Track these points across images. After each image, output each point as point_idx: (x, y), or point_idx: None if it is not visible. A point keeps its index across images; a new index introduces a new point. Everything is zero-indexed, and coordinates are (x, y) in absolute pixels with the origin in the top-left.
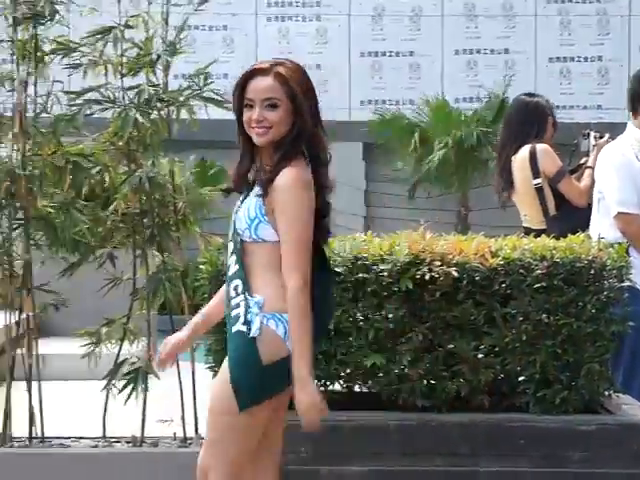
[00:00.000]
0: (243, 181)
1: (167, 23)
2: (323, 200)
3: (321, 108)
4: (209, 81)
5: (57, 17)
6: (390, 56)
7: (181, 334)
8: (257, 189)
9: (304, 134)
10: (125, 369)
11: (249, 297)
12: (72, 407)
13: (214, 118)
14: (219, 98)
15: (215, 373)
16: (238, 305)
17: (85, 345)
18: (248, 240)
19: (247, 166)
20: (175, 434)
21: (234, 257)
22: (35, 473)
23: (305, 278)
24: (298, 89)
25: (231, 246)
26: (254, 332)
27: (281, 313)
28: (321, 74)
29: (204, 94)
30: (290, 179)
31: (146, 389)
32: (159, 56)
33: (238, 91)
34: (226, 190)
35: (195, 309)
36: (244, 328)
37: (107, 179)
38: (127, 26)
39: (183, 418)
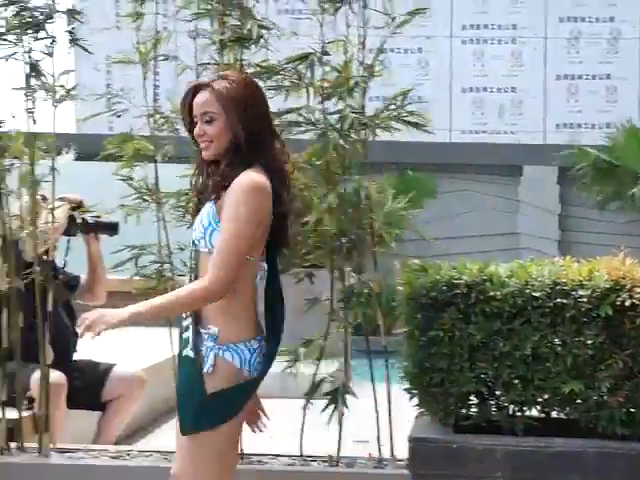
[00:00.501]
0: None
1: (364, 46)
2: (280, 206)
3: (514, 130)
4: (407, 103)
5: (261, 41)
6: (586, 79)
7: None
8: (211, 196)
9: (241, 146)
10: (324, 388)
11: (202, 329)
12: (269, 425)
13: (413, 140)
14: (417, 120)
15: (412, 396)
16: (188, 328)
17: (283, 362)
18: (204, 250)
19: (203, 180)
20: (370, 454)
21: (190, 275)
22: None
23: (225, 279)
24: (231, 102)
25: (188, 263)
26: (207, 368)
27: (236, 344)
28: (516, 97)
29: (402, 117)
30: (241, 182)
31: (344, 408)
32: (357, 81)
33: (186, 108)
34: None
35: (389, 330)
36: (192, 354)
37: (305, 199)
38: (325, 53)
39: (378, 439)
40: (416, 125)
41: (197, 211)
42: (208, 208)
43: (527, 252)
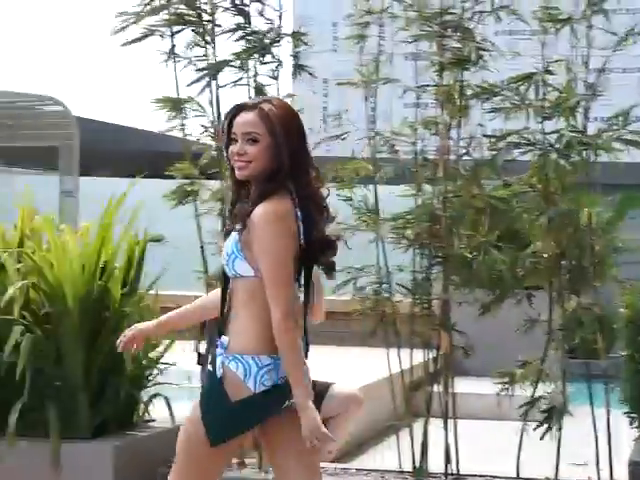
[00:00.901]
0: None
1: (587, 66)
2: (311, 231)
3: None
4: (629, 122)
5: (481, 62)
6: None
7: (150, 323)
8: (238, 225)
9: (283, 170)
10: (541, 408)
11: (217, 338)
12: (484, 446)
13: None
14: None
15: (632, 419)
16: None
17: (499, 383)
18: (230, 275)
19: (234, 203)
20: (590, 478)
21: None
22: None
23: (285, 311)
24: (279, 126)
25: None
26: (218, 373)
27: (242, 354)
28: None
29: (624, 136)
30: (262, 213)
31: (560, 429)
32: (579, 101)
33: (227, 127)
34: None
35: (608, 353)
36: (211, 367)
37: (525, 221)
38: (548, 72)
39: (597, 462)
40: (635, 143)
41: (228, 233)
42: (233, 236)
43: None
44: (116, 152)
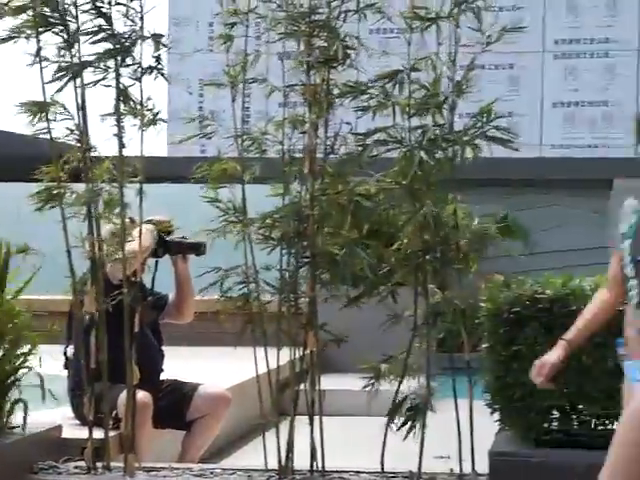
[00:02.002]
0: None
1: (454, 63)
2: None
3: (605, 144)
4: (492, 118)
5: (348, 61)
6: None
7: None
8: None
9: None
10: (405, 406)
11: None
12: (351, 442)
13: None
14: (503, 136)
15: (493, 410)
16: None
17: (365, 379)
18: None
19: None
20: (452, 470)
21: None
22: None
23: None
24: None
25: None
26: None
27: None
28: (608, 110)
29: (488, 132)
30: None
31: (424, 426)
32: (445, 98)
33: None
34: None
35: (474, 347)
36: None
37: (390, 218)
38: (414, 69)
39: (460, 455)
40: (501, 141)
41: None
42: None
43: None
44: None
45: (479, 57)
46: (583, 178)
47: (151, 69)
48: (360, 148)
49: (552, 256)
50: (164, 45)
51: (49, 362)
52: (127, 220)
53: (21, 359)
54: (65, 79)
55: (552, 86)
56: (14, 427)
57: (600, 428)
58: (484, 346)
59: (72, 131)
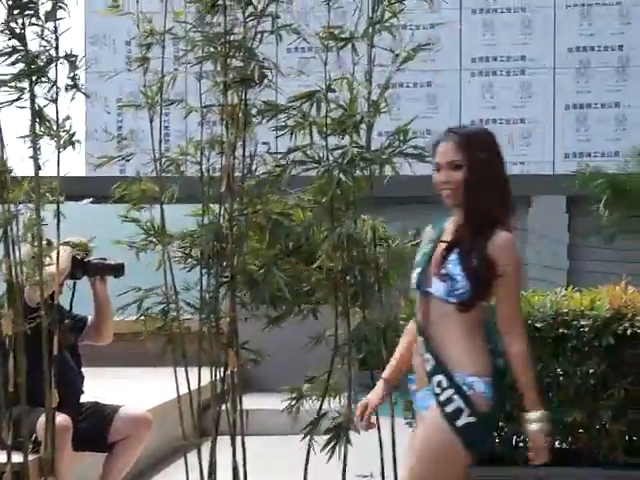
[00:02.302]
0: None
1: (371, 83)
2: None
3: (522, 160)
4: (409, 137)
5: (265, 81)
6: (595, 108)
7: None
8: None
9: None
10: (326, 424)
11: None
12: (273, 461)
13: (418, 174)
14: (419, 153)
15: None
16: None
17: (287, 400)
18: None
19: None
20: None
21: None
22: None
23: None
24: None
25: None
26: None
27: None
28: (525, 127)
29: (405, 151)
30: None
31: (347, 443)
32: (362, 117)
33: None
34: None
35: None
36: None
37: (309, 236)
38: (330, 89)
39: (383, 473)
40: (419, 157)
41: None
42: None
43: (535, 283)
44: None
45: (398, 75)
46: None
47: (69, 87)
48: (278, 168)
49: None
50: (76, 67)
51: None
52: (44, 242)
53: None
54: None
55: (470, 103)
56: None
57: (521, 445)
58: None
59: None
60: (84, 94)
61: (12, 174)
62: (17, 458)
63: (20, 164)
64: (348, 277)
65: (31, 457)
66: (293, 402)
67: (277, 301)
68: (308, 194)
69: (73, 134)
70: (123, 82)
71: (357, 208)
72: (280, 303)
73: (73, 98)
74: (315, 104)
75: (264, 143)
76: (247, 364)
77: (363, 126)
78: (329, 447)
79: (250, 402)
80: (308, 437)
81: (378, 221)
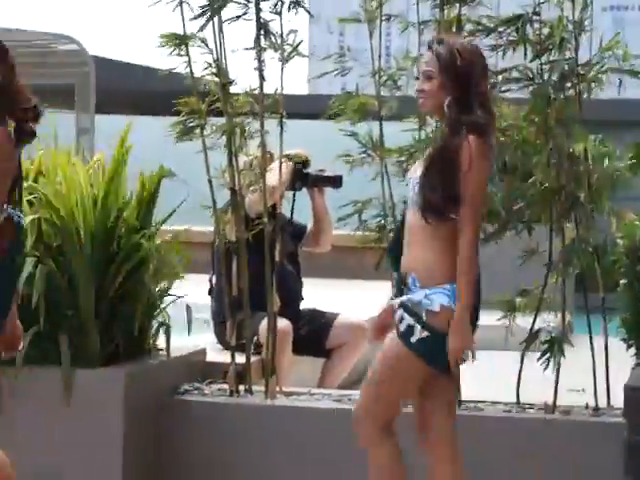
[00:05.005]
0: None
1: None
2: None
3: None
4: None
5: None
6: None
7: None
8: None
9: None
10: (541, 338)
11: None
12: (487, 374)
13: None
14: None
15: (629, 346)
16: None
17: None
18: None
19: None
20: (587, 404)
21: None
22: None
23: None
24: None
25: None
26: None
27: None
28: None
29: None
30: None
31: (562, 357)
32: (562, 38)
33: None
34: None
35: (615, 286)
36: None
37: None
38: (535, 13)
39: (595, 388)
40: (632, 73)
41: None
42: None
43: None
44: (122, 90)
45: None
46: None
47: (292, 4)
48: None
49: None
50: None
51: (194, 290)
52: (266, 154)
53: (165, 284)
54: (207, 15)
55: None
56: (159, 349)
57: None
58: (621, 282)
59: (210, 65)
60: (308, 12)
61: (234, 87)
62: (240, 359)
63: (242, 78)
64: (562, 194)
65: (253, 359)
66: (507, 316)
67: (491, 217)
68: (522, 115)
69: (298, 44)
70: (344, 2)
71: (571, 128)
72: (494, 219)
73: (297, 12)
74: (524, 24)
75: None
76: None
77: (570, 45)
78: (543, 359)
79: None
80: (519, 353)
81: (591, 139)
